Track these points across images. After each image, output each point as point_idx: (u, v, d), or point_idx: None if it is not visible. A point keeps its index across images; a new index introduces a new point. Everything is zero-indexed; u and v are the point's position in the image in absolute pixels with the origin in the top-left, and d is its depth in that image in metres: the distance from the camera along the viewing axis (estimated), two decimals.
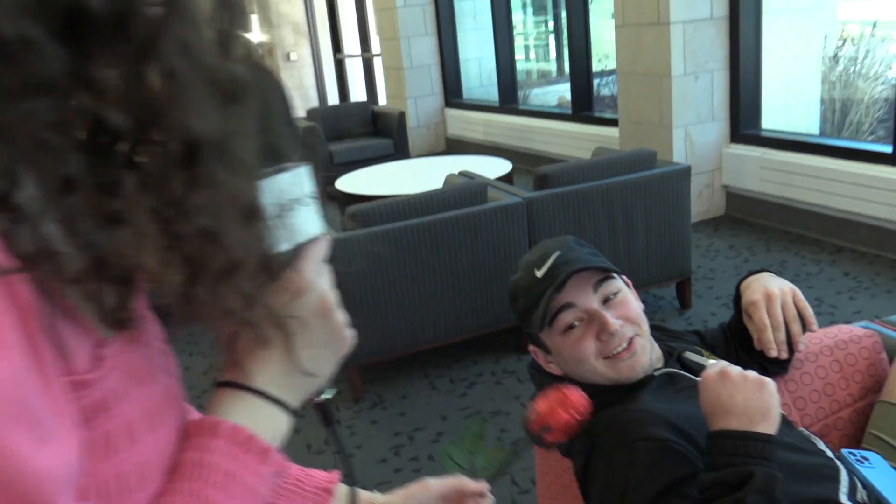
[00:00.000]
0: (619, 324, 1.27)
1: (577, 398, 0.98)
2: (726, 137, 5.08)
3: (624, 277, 1.49)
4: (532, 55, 9.22)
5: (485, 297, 3.31)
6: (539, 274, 1.30)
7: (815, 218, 4.57)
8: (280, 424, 0.64)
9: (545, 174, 3.43)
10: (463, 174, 4.03)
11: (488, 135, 7.71)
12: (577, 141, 6.34)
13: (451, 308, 3.26)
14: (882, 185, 4.09)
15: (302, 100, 10.50)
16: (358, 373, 3.24)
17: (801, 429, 1.45)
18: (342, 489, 0.95)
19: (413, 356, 3.56)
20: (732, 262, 4.36)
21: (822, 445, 1.37)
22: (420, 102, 8.32)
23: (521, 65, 8.01)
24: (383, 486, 2.61)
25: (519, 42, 8.10)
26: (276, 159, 0.59)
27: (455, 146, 8.54)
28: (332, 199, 6.51)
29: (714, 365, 1.11)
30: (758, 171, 4.83)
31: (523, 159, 7.08)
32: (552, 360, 1.36)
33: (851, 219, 4.34)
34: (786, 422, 1.34)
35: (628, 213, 3.48)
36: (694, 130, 4.97)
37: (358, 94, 10.43)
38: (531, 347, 1.40)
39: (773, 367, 1.53)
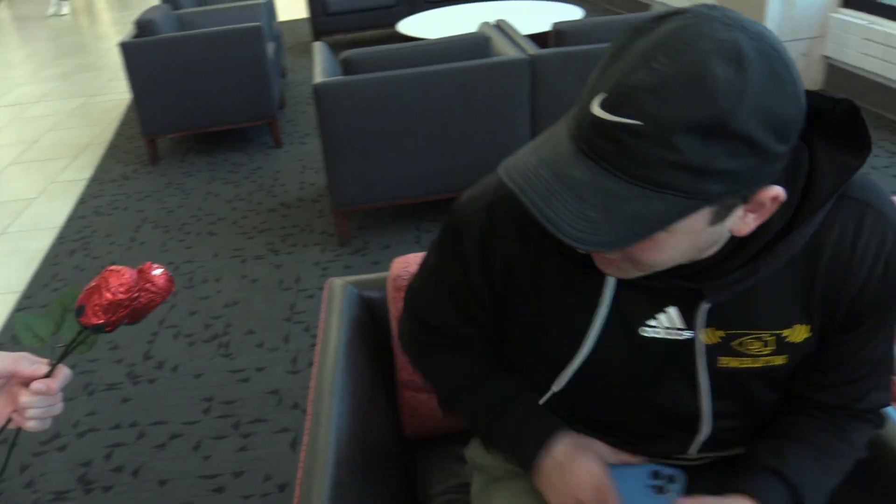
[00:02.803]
0: None
1: (118, 280, 0.91)
2: (836, 0, 4.43)
3: None
4: None
5: (478, 155, 3.20)
6: None
7: None
8: None
9: (561, 30, 3.17)
10: (499, 24, 3.80)
11: None
12: None
13: (440, 164, 3.19)
14: None
15: None
16: (344, 217, 3.29)
17: None
18: None
19: (413, 208, 3.57)
20: None
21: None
22: None
23: None
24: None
25: None
26: None
27: None
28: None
29: None
30: (860, 43, 4.21)
31: (637, 7, 6.54)
32: None
33: None
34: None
35: None
36: None
37: None
38: None
39: None
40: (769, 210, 0.75)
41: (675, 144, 0.64)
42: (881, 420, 0.97)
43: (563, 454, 0.97)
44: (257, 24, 4.29)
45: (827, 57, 4.54)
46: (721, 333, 0.88)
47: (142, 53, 4.21)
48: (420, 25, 5.12)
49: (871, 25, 4.12)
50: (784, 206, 0.78)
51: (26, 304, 3.17)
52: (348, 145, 3.10)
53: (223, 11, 4.96)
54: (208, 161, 4.47)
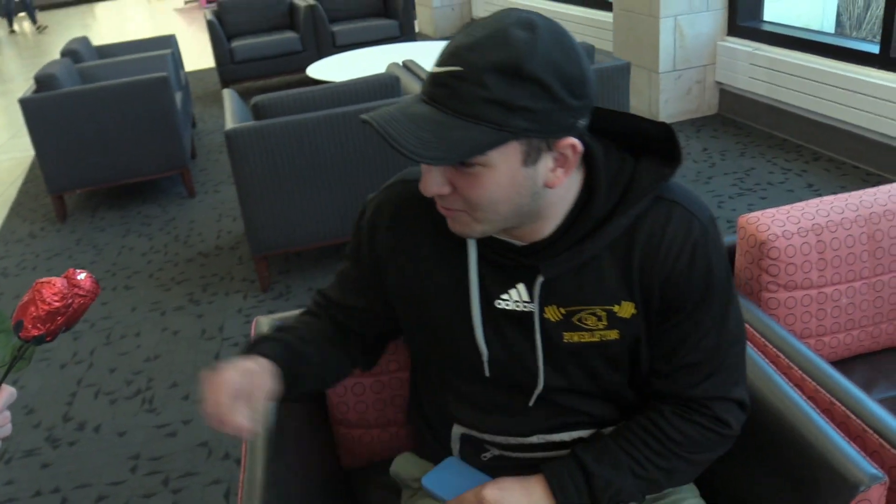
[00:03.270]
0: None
1: (51, 290, 0.91)
2: (722, 29, 4.70)
3: None
4: None
5: None
6: None
7: (800, 122, 4.25)
8: None
9: None
10: (406, 64, 3.88)
11: None
12: (575, 25, 5.98)
13: (357, 203, 3.20)
14: (866, 89, 3.73)
15: None
16: (265, 263, 3.28)
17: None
18: None
19: (334, 249, 3.57)
20: (697, 166, 4.12)
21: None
22: None
23: None
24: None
25: None
26: None
27: None
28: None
29: None
30: (748, 69, 4.48)
31: None
32: None
33: (836, 125, 4.01)
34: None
35: None
36: (685, 21, 4.60)
37: None
38: None
39: None
40: (573, 163, 0.92)
41: (486, 83, 0.83)
42: (719, 425, 1.05)
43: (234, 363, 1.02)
44: (163, 74, 4.26)
45: (719, 83, 4.80)
46: (563, 310, 1.02)
47: (43, 109, 4.11)
48: (330, 69, 5.17)
49: (756, 52, 4.39)
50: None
51: None
52: (264, 190, 3.09)
53: (127, 63, 4.89)
54: (120, 215, 4.38)
